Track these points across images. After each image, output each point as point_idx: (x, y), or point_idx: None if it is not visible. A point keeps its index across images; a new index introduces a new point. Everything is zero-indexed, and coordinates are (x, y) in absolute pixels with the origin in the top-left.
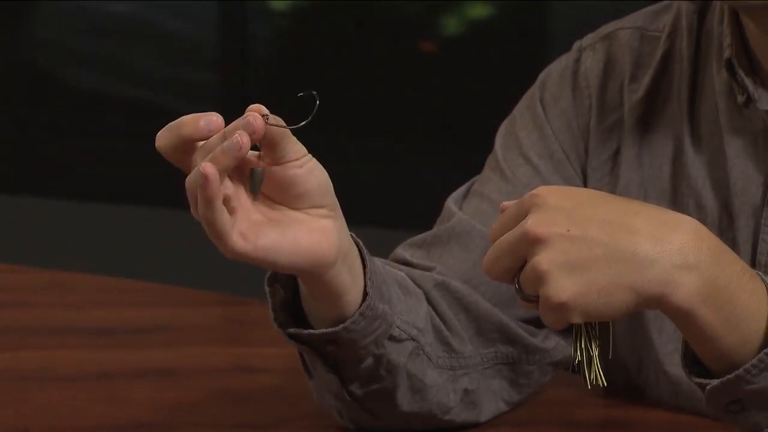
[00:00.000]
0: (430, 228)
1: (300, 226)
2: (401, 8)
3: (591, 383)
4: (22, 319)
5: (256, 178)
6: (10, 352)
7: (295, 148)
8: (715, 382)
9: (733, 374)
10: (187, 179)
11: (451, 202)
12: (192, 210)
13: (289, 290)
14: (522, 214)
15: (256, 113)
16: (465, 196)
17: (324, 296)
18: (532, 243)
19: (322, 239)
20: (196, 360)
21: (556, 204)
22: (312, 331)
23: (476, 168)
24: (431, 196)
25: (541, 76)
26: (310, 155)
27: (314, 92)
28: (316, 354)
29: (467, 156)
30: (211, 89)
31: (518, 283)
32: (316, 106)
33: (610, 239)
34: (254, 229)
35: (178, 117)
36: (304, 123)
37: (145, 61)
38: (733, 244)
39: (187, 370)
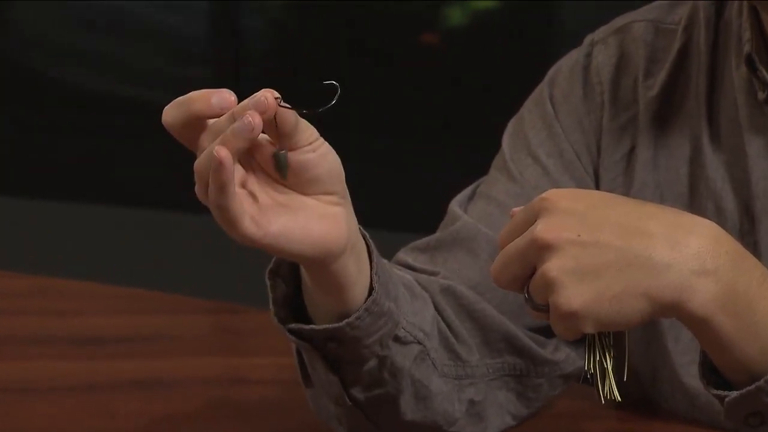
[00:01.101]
0: (433, 232)
1: (310, 212)
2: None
3: (605, 397)
4: (3, 328)
5: (282, 160)
6: None
7: (308, 132)
8: (734, 393)
9: (753, 386)
10: (196, 162)
11: (455, 205)
12: (198, 194)
13: (291, 285)
14: (531, 219)
15: (266, 91)
16: (470, 198)
17: (329, 288)
18: (541, 249)
19: (332, 227)
20: (188, 371)
21: (566, 208)
22: (314, 326)
23: (482, 169)
24: (434, 198)
25: (551, 72)
26: (323, 140)
27: (336, 83)
28: (317, 353)
29: (472, 156)
30: (203, 85)
31: (528, 292)
32: (337, 93)
33: (624, 244)
34: (265, 215)
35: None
36: (321, 109)
37: (135, 56)
38: (754, 248)
39: (178, 381)
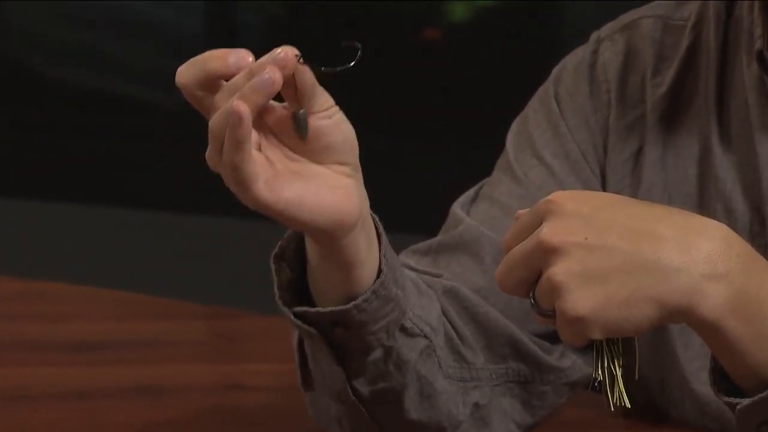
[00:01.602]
0: (434, 234)
1: (323, 181)
2: None
3: (614, 405)
4: None
5: (301, 120)
6: None
7: (324, 97)
8: (745, 401)
9: (765, 392)
10: (211, 121)
11: (457, 208)
12: (210, 158)
13: (296, 270)
14: (537, 222)
15: (286, 47)
16: (473, 200)
17: (338, 265)
18: (547, 253)
19: (344, 198)
20: (184, 377)
21: (572, 210)
22: (320, 309)
23: (485, 169)
24: (435, 199)
25: (556, 69)
26: (337, 107)
27: (358, 44)
28: (323, 340)
29: (475, 156)
30: None
31: (533, 297)
32: (359, 54)
33: (632, 247)
34: (279, 180)
35: (160, 112)
36: (341, 68)
37: (129, 54)
38: (765, 250)
39: (174, 388)
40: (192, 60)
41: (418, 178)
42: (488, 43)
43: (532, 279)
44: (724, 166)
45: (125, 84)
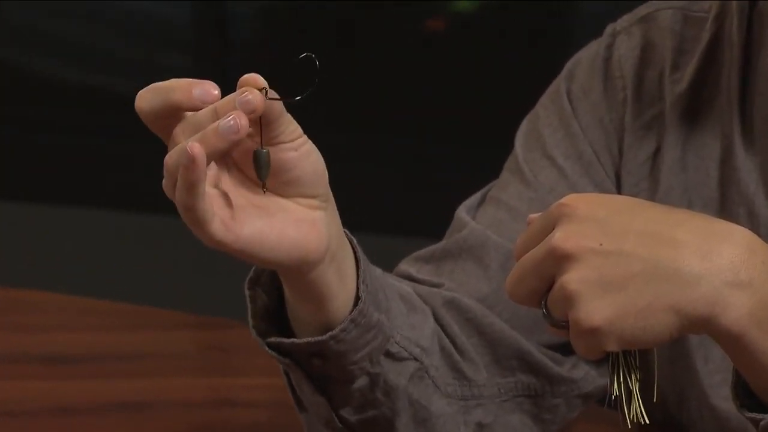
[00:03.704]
0: (439, 238)
1: (287, 215)
2: None
3: (630, 421)
4: None
5: (263, 161)
6: None
7: (291, 128)
8: None
9: None
10: (167, 156)
11: (463, 211)
12: (166, 190)
13: (273, 296)
14: (549, 227)
15: (253, 89)
16: (480, 203)
17: (308, 298)
18: (560, 260)
19: (310, 233)
20: (171, 392)
21: (587, 214)
22: (295, 340)
23: (493, 171)
24: (441, 202)
25: (568, 65)
26: (306, 137)
27: (312, 55)
28: (301, 371)
29: (482, 157)
30: (184, 74)
31: (545, 307)
32: (318, 71)
33: (650, 254)
34: (238, 217)
35: None
36: (305, 95)
37: (111, 43)
38: None
39: (158, 403)
40: (154, 86)
41: (420, 179)
42: (495, 35)
43: (544, 288)
44: (747, 167)
45: (103, 76)
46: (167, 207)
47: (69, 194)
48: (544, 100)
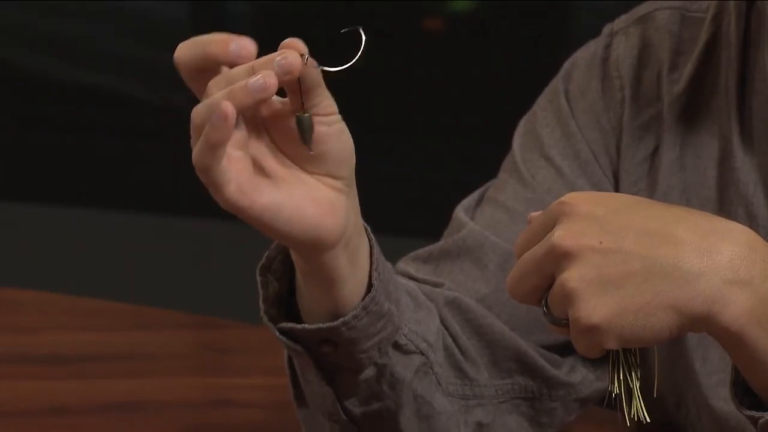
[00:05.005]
0: (436, 238)
1: (308, 191)
2: None
3: (630, 419)
4: None
5: (306, 125)
6: None
7: (327, 102)
8: None
9: None
10: (196, 108)
11: (461, 212)
12: (192, 144)
13: (284, 284)
14: (549, 226)
15: (293, 50)
16: (477, 203)
17: (317, 282)
18: (560, 258)
19: (327, 214)
20: (166, 392)
21: (587, 212)
22: (307, 326)
23: (491, 170)
24: (438, 202)
25: (566, 65)
26: (340, 116)
27: (360, 28)
28: (310, 359)
29: (480, 156)
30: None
31: (546, 305)
32: (363, 44)
33: (649, 252)
34: (257, 184)
35: (145, 106)
36: (345, 66)
37: (108, 41)
38: None
39: (155, 404)
40: (193, 39)
41: (418, 179)
42: (493, 34)
43: (544, 286)
44: (746, 168)
45: (102, 76)
46: (167, 207)
47: (69, 194)
48: (542, 100)
